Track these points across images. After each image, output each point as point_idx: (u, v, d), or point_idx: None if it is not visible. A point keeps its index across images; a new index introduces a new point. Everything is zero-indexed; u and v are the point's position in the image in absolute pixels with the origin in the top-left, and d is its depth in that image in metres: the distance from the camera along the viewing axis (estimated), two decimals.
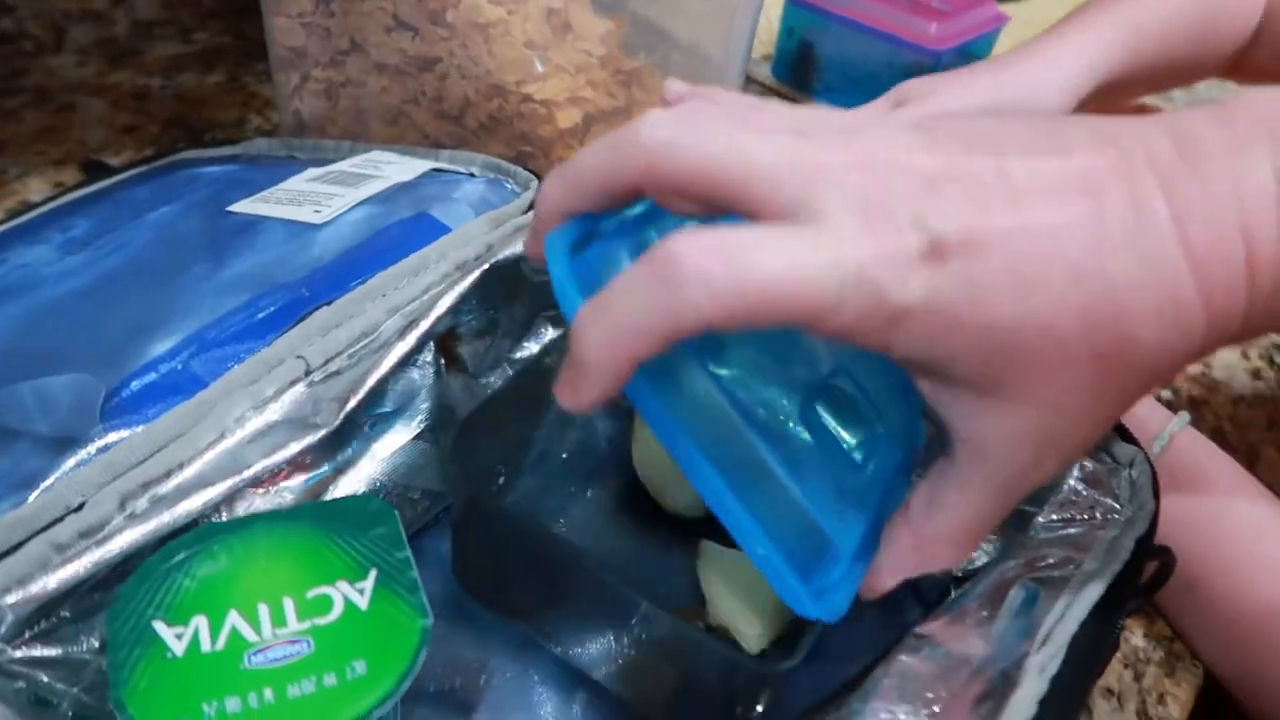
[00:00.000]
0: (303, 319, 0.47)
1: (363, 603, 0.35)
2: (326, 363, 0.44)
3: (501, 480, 0.51)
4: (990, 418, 0.27)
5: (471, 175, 0.62)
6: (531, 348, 0.56)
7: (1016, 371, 0.26)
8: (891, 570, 0.33)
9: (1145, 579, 0.42)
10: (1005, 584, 0.41)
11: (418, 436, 0.50)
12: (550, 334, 0.57)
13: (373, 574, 0.36)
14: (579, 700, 0.44)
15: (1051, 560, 0.41)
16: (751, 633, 0.44)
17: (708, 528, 0.52)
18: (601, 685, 0.44)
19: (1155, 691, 0.50)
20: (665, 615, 0.38)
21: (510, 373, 0.55)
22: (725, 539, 0.52)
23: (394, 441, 0.49)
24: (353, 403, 0.43)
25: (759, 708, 0.39)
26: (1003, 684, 0.36)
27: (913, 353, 0.26)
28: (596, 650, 0.44)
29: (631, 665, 0.42)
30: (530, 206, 0.56)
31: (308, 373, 0.43)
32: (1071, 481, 0.44)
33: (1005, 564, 0.42)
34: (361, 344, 0.45)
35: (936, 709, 0.36)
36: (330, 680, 0.33)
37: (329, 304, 0.48)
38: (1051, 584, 0.40)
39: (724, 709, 0.40)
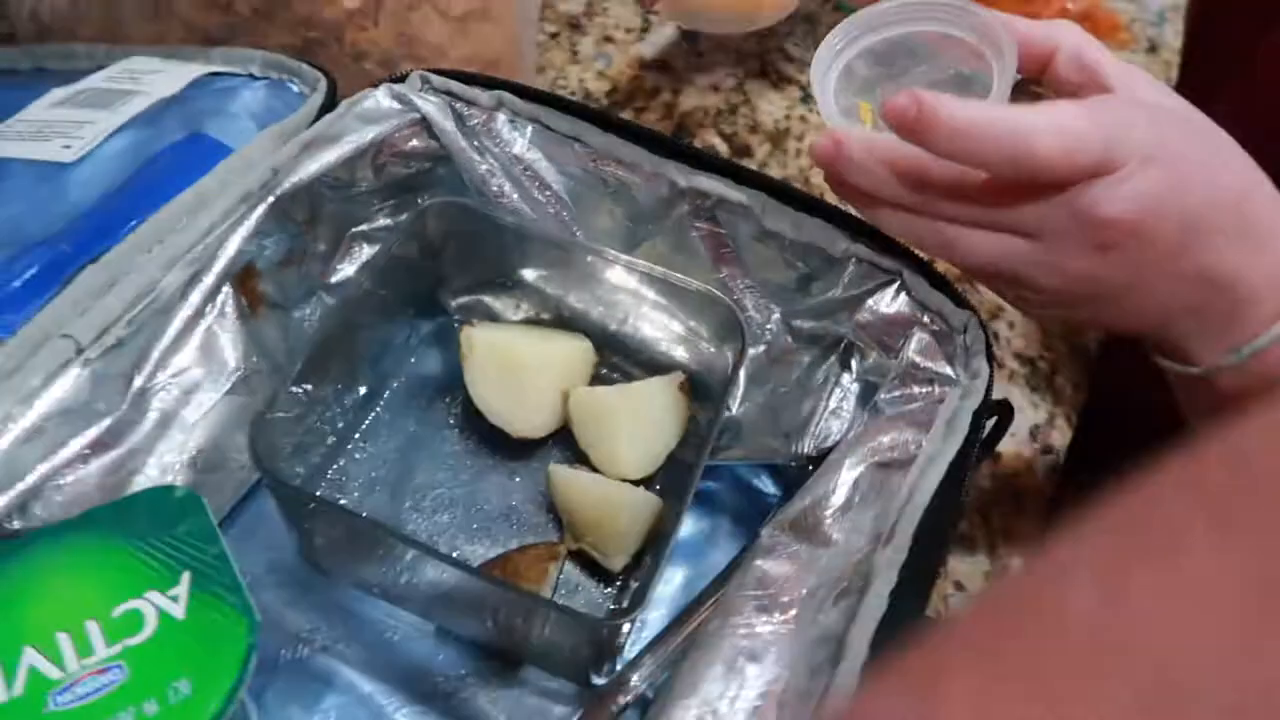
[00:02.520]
0: (66, 283, 0.41)
1: (178, 612, 0.32)
2: (101, 335, 0.39)
3: (319, 450, 0.47)
4: None
5: (251, 77, 0.55)
6: (346, 269, 0.52)
7: None
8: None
9: (987, 435, 0.43)
10: (852, 470, 0.41)
11: (230, 391, 0.45)
12: (365, 252, 0.52)
13: (186, 577, 0.33)
14: (445, 651, 0.43)
15: (895, 442, 0.41)
16: (612, 553, 0.44)
17: (552, 446, 0.50)
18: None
19: (1002, 531, 0.52)
20: (498, 587, 0.38)
21: (327, 301, 0.51)
22: (571, 455, 0.51)
23: (203, 402, 0.44)
24: (140, 379, 0.38)
25: (615, 653, 0.39)
26: (856, 580, 0.37)
27: None
28: (449, 613, 0.43)
29: (491, 627, 0.41)
30: (319, 114, 0.50)
31: (79, 351, 0.38)
32: (909, 354, 0.43)
33: (853, 449, 0.42)
34: (140, 307, 0.40)
35: (793, 612, 0.37)
36: (151, 709, 0.30)
37: (95, 261, 0.42)
38: (895, 467, 0.40)
39: (583, 659, 0.40)
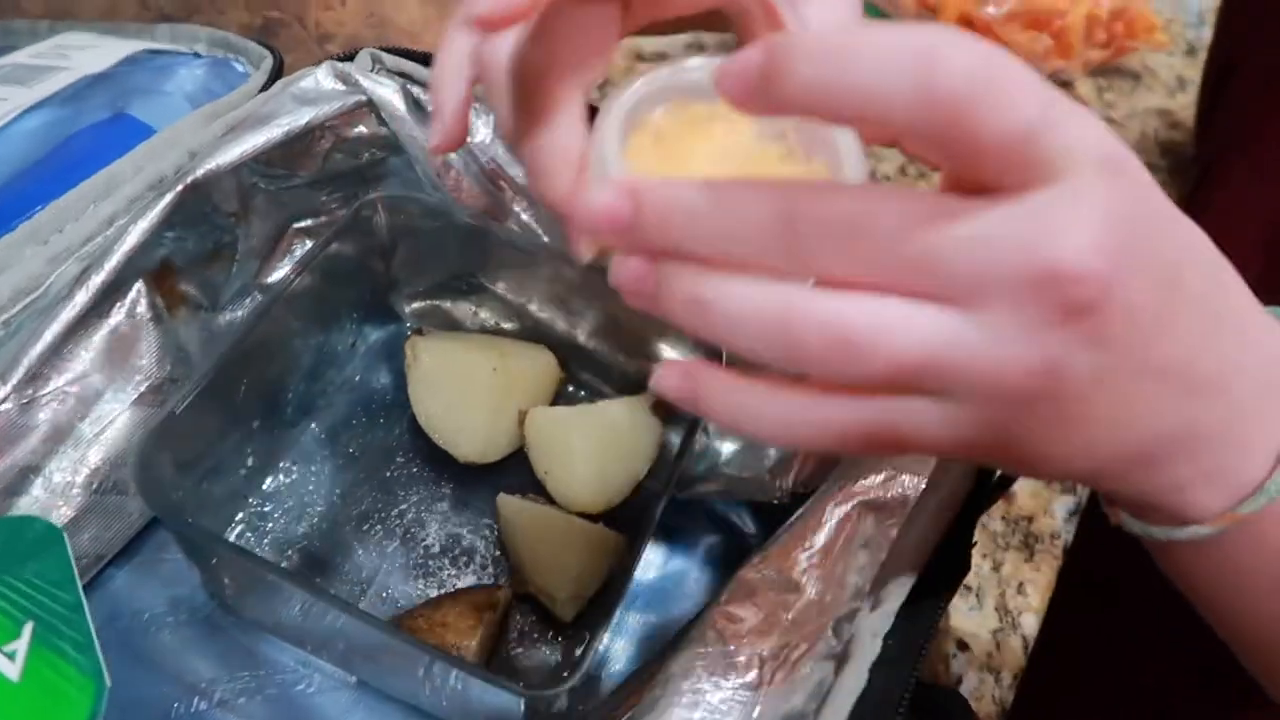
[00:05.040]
0: None
1: (13, 672, 0.27)
2: None
3: (239, 470, 0.42)
4: None
5: (196, 55, 0.50)
6: (286, 270, 0.46)
7: None
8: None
9: (1000, 472, 0.37)
10: (838, 509, 0.35)
11: (138, 401, 0.40)
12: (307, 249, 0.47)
13: (28, 629, 0.28)
14: (365, 708, 0.38)
15: (886, 481, 0.35)
16: (562, 599, 0.38)
17: (507, 471, 0.45)
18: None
19: (1014, 580, 0.46)
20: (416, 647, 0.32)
21: (263, 301, 0.46)
22: (527, 483, 0.45)
23: (105, 414, 0.39)
24: (4, 388, 0.33)
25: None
26: (833, 643, 0.31)
27: None
28: (370, 666, 0.37)
29: (419, 683, 0.36)
30: (262, 89, 0.44)
31: None
32: None
33: (840, 484, 0.36)
34: (19, 306, 0.35)
35: (752, 676, 0.31)
36: None
37: None
38: (887, 510, 0.34)
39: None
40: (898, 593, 0.30)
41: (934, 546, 0.32)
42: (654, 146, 0.26)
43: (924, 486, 0.34)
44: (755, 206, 0.22)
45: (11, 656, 0.27)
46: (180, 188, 0.37)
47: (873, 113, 0.20)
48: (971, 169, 0.22)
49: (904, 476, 0.35)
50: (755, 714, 0.29)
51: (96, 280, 0.35)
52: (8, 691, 0.26)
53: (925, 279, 0.21)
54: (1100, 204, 0.21)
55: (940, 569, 0.31)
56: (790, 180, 0.22)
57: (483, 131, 0.45)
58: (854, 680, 0.28)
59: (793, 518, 0.36)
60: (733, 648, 0.31)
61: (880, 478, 0.35)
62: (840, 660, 0.30)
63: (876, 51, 0.19)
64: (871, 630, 0.29)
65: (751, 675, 0.31)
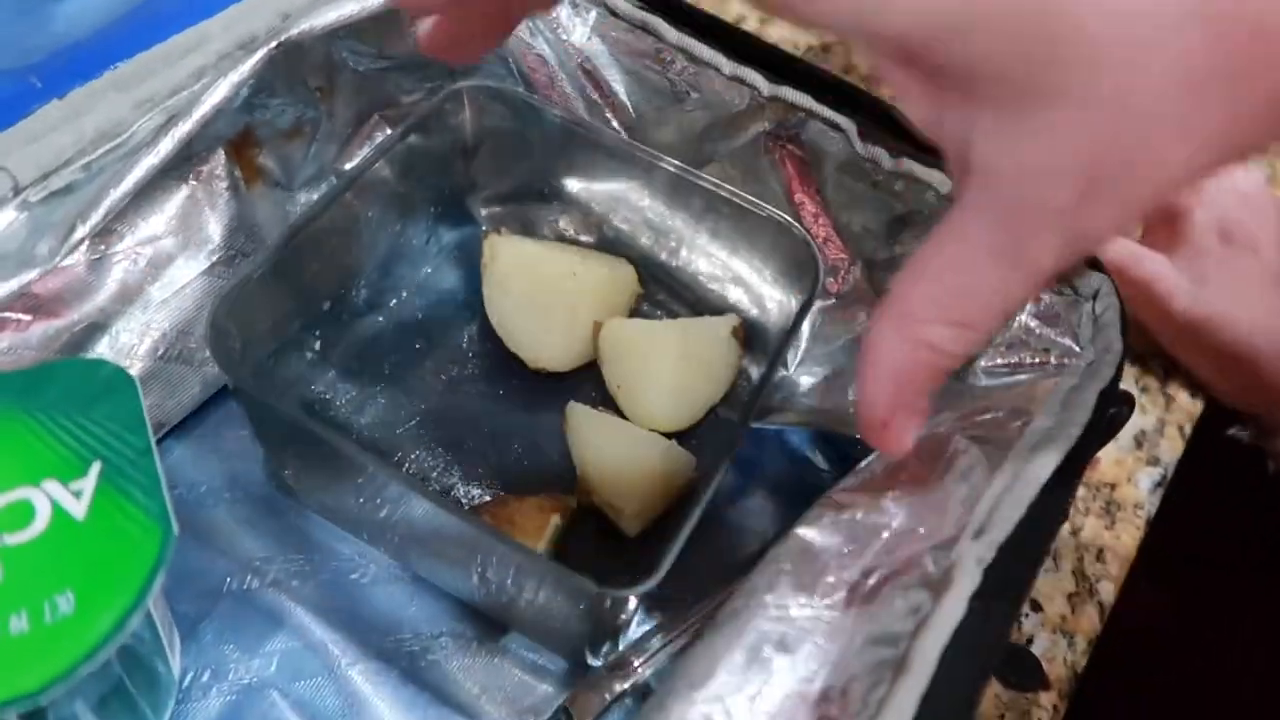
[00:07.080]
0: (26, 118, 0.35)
1: (78, 510, 0.26)
2: (47, 176, 0.32)
3: (304, 355, 0.41)
4: (1015, 129, 0.19)
5: None
6: (366, 155, 0.45)
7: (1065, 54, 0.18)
8: (879, 382, 0.22)
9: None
10: (935, 442, 0.33)
11: (208, 272, 0.39)
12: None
13: (96, 468, 0.27)
14: (420, 603, 0.36)
15: (995, 415, 0.33)
16: (629, 514, 0.36)
17: (576, 384, 0.43)
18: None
19: (1093, 546, 0.44)
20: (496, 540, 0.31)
21: (339, 183, 0.44)
22: (596, 397, 0.44)
23: (175, 279, 0.38)
24: (82, 230, 0.32)
25: (615, 630, 0.31)
26: (930, 570, 0.29)
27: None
28: (429, 559, 0.36)
29: (476, 583, 0.34)
30: None
31: (17, 190, 0.32)
32: (1023, 317, 0.35)
33: (937, 418, 0.34)
34: (102, 150, 0.33)
35: (840, 596, 0.29)
36: (19, 625, 0.24)
37: (62, 99, 0.35)
38: (993, 444, 0.32)
39: (578, 633, 0.33)
40: (1002, 525, 0.28)
41: (1041, 487, 0.29)
42: None
43: (1033, 424, 0.32)
44: None
45: (78, 495, 0.26)
46: (272, 45, 0.36)
47: None
48: None
49: (1006, 411, 0.33)
50: (842, 633, 0.28)
51: (183, 129, 0.34)
52: (72, 528, 0.25)
53: None
54: None
55: (1044, 510, 0.29)
56: None
57: (580, 30, 0.43)
58: (954, 608, 0.26)
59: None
60: (820, 567, 0.30)
61: (983, 412, 0.33)
62: (939, 587, 0.28)
63: None
64: (976, 557, 0.27)
65: (840, 595, 0.29)
